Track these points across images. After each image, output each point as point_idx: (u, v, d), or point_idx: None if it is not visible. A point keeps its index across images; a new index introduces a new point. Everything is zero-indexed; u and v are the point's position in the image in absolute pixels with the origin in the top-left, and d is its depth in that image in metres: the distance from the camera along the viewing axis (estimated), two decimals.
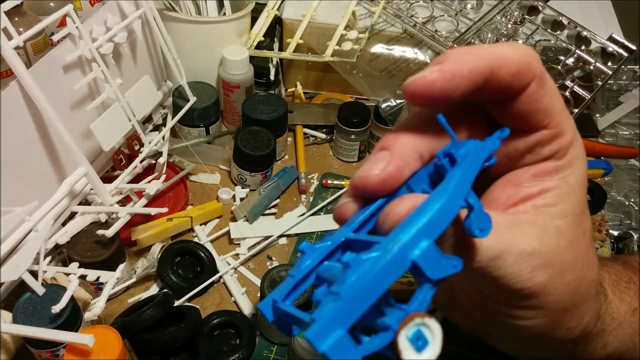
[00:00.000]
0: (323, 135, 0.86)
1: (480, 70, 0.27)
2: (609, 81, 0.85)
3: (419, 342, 0.21)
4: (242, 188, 0.75)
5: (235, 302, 0.64)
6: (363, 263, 0.22)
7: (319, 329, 0.20)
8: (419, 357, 0.21)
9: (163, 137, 0.73)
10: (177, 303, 0.62)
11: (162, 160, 0.70)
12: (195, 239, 0.70)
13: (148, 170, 0.72)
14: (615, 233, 0.76)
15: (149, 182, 0.69)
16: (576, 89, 0.76)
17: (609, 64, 0.80)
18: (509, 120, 0.30)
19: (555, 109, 0.30)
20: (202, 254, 0.65)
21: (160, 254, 0.65)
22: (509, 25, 0.82)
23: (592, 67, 0.79)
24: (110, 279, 0.56)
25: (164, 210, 0.64)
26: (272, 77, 0.85)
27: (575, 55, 0.80)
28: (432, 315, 0.21)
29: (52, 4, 0.78)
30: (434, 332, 0.21)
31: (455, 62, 0.27)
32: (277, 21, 0.87)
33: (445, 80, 0.27)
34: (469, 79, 0.27)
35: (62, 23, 0.64)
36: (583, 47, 0.81)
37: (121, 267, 0.57)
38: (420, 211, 0.24)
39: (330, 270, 0.25)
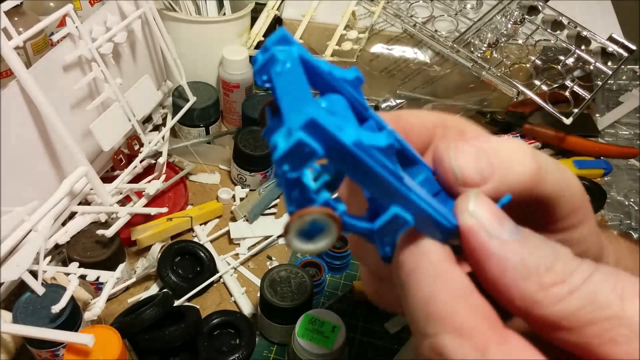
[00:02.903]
0: None
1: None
2: (609, 81, 0.85)
3: (312, 232, 0.19)
4: (242, 188, 0.75)
5: (235, 302, 0.64)
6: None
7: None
8: (299, 244, 0.19)
9: (163, 137, 0.73)
10: (177, 303, 0.62)
11: (162, 160, 0.70)
12: (195, 239, 0.70)
13: (148, 170, 0.72)
14: (615, 233, 0.76)
15: (149, 182, 0.69)
16: (576, 89, 0.76)
17: (609, 64, 0.80)
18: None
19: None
20: (202, 254, 0.65)
21: (160, 254, 0.65)
22: (509, 25, 0.82)
23: (592, 67, 0.79)
24: (110, 279, 0.56)
25: (164, 210, 0.64)
26: None
27: (575, 55, 0.80)
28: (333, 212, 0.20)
29: (52, 4, 0.78)
30: (329, 235, 0.20)
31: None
32: (277, 21, 0.87)
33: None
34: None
35: (62, 23, 0.64)
36: (583, 47, 0.81)
37: (121, 267, 0.57)
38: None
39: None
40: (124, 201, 0.67)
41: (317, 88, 0.21)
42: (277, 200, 0.75)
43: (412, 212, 0.21)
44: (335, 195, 0.23)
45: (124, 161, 0.67)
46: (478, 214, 0.22)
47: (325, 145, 0.18)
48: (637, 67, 0.98)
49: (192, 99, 0.75)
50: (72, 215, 0.61)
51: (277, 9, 0.87)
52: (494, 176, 0.23)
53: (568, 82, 0.77)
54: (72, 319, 0.51)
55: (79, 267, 0.55)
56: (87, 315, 0.53)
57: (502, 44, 0.81)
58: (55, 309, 0.49)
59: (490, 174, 0.23)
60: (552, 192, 0.25)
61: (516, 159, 0.24)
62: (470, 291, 0.20)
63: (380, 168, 0.20)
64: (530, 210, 0.25)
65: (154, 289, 0.64)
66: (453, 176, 0.23)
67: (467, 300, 0.20)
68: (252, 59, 0.21)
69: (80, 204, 0.62)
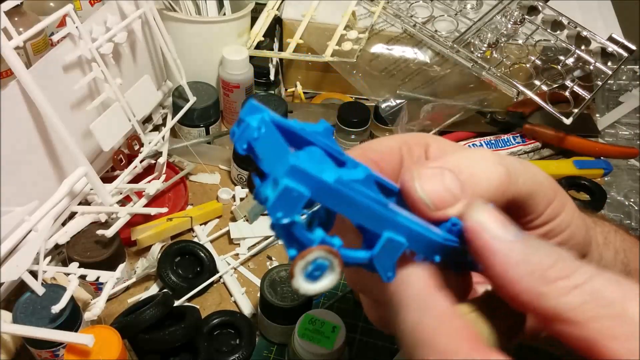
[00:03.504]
0: None
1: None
2: (609, 81, 0.85)
3: (316, 272, 0.20)
4: (242, 188, 0.75)
5: (235, 302, 0.64)
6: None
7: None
8: (306, 286, 0.20)
9: (163, 137, 0.73)
10: (177, 303, 0.62)
11: (162, 160, 0.70)
12: (195, 239, 0.70)
13: (148, 170, 0.72)
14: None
15: (149, 182, 0.69)
16: (576, 89, 0.76)
17: (609, 64, 0.80)
18: None
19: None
20: (202, 254, 0.65)
21: (160, 254, 0.65)
22: (509, 25, 0.82)
23: (592, 67, 0.79)
24: (110, 279, 0.56)
25: (164, 210, 0.64)
26: (272, 77, 0.85)
27: (575, 55, 0.80)
28: (336, 252, 0.21)
29: (52, 4, 0.78)
30: (334, 271, 0.21)
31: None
32: (277, 21, 0.87)
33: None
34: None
35: (62, 23, 0.64)
36: (583, 47, 0.81)
37: (121, 267, 0.57)
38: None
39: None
40: (124, 201, 0.67)
41: (293, 145, 0.22)
42: None
43: (403, 234, 0.23)
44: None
45: (124, 161, 0.67)
46: (483, 219, 0.23)
47: (310, 187, 0.20)
48: (637, 67, 0.98)
49: (192, 99, 0.75)
50: (72, 215, 0.61)
51: (277, 9, 0.87)
52: (465, 192, 0.24)
53: (568, 82, 0.77)
54: (72, 319, 0.51)
55: (79, 267, 0.55)
56: (87, 315, 0.53)
57: (502, 44, 0.81)
58: (55, 309, 0.49)
59: (460, 191, 0.24)
60: (525, 191, 0.26)
61: (482, 170, 0.25)
62: (450, 316, 0.22)
63: (364, 198, 0.21)
64: (510, 212, 0.25)
65: (154, 289, 0.64)
66: (425, 206, 0.24)
67: (449, 324, 0.21)
68: (230, 132, 0.22)
69: (80, 204, 0.62)
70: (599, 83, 0.79)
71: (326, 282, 0.21)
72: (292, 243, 0.21)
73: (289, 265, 0.60)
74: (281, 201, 0.19)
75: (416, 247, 0.23)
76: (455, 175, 0.25)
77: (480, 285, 0.29)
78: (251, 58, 0.81)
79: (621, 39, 0.80)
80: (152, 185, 0.67)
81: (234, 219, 0.72)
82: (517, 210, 0.27)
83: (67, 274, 0.55)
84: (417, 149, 0.30)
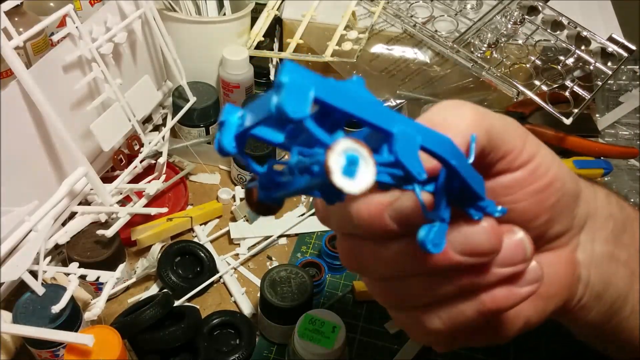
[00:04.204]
0: None
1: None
2: (609, 81, 0.85)
3: (351, 167, 0.19)
4: (242, 188, 0.75)
5: (235, 302, 0.64)
6: None
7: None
8: (349, 183, 0.19)
9: (163, 137, 0.73)
10: (177, 303, 0.62)
11: (162, 160, 0.70)
12: (195, 239, 0.70)
13: (148, 170, 0.72)
14: None
15: (149, 182, 0.69)
16: (576, 89, 0.76)
17: (609, 64, 0.80)
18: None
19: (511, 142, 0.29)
20: (202, 254, 0.65)
21: (160, 254, 0.65)
22: (509, 25, 0.82)
23: (592, 67, 0.79)
24: (110, 279, 0.56)
25: (164, 210, 0.64)
26: (272, 77, 0.85)
27: (575, 55, 0.80)
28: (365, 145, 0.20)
29: (52, 4, 0.78)
30: (367, 161, 0.19)
31: None
32: (277, 21, 0.87)
33: None
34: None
35: (62, 23, 0.64)
36: (583, 47, 0.81)
37: (121, 267, 0.57)
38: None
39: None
40: (124, 201, 0.67)
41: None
42: None
43: (412, 129, 0.22)
44: None
45: (124, 161, 0.67)
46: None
47: (311, 82, 0.19)
48: (637, 67, 0.98)
49: (192, 99, 0.75)
50: (72, 215, 0.61)
51: (277, 9, 0.87)
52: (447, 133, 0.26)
53: (568, 82, 0.77)
54: (72, 319, 0.51)
55: (79, 267, 0.55)
56: (87, 315, 0.53)
57: (502, 44, 0.81)
58: (55, 309, 0.49)
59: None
60: (498, 125, 0.28)
61: (452, 113, 0.27)
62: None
63: (366, 94, 0.21)
64: (490, 151, 0.28)
65: (154, 289, 0.64)
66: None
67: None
68: (215, 145, 0.22)
69: (80, 204, 0.62)
70: (599, 83, 0.79)
71: (365, 175, 0.19)
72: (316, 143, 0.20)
73: (289, 264, 0.60)
74: (291, 93, 0.18)
75: (430, 144, 0.23)
76: (430, 128, 0.26)
77: None
78: (251, 58, 0.81)
79: (621, 39, 0.80)
80: (152, 185, 0.67)
81: (234, 219, 0.72)
82: (498, 147, 0.28)
83: (67, 274, 0.55)
84: None
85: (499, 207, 0.27)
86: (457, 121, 0.27)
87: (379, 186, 0.22)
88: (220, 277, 0.66)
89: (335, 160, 0.19)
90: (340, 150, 0.19)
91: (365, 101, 0.20)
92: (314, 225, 0.72)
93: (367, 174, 0.19)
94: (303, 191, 0.21)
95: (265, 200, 0.24)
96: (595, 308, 0.35)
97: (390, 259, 0.27)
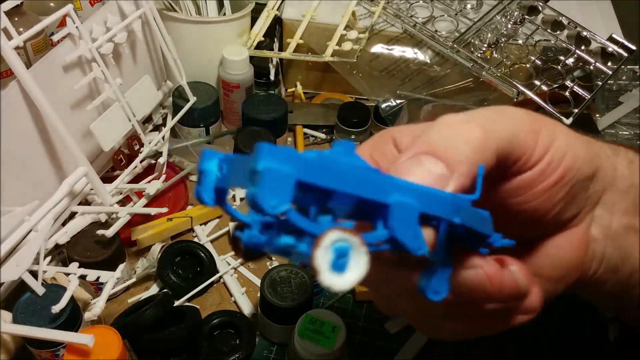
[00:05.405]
0: (323, 135, 0.86)
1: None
2: (609, 81, 0.85)
3: (340, 260, 0.17)
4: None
5: (235, 302, 0.64)
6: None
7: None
8: (338, 280, 0.17)
9: (163, 137, 0.73)
10: (177, 303, 0.62)
11: (162, 160, 0.70)
12: (195, 239, 0.70)
13: (148, 170, 0.72)
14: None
15: (149, 182, 0.69)
16: (576, 89, 0.76)
17: (609, 64, 0.80)
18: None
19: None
20: (202, 254, 0.65)
21: (160, 254, 0.65)
22: (509, 26, 0.82)
23: (592, 67, 0.79)
24: (110, 279, 0.56)
25: (164, 210, 0.64)
26: (272, 77, 0.85)
27: (575, 55, 0.80)
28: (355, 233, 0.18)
29: (52, 4, 0.78)
30: (358, 251, 0.18)
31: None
32: (277, 21, 0.87)
33: None
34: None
35: (62, 23, 0.63)
36: (583, 47, 0.81)
37: (121, 267, 0.57)
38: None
39: None
40: (124, 201, 0.67)
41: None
42: None
43: (409, 195, 0.21)
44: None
45: (124, 161, 0.67)
46: None
47: (292, 165, 0.17)
48: (637, 67, 0.98)
49: (192, 99, 0.75)
50: (72, 215, 0.61)
51: (277, 9, 0.87)
52: (451, 167, 0.24)
53: (568, 82, 0.77)
54: (72, 319, 0.51)
55: (79, 267, 0.55)
56: (87, 315, 0.53)
57: (502, 44, 0.81)
58: (55, 309, 0.49)
59: (446, 170, 0.24)
60: (507, 135, 0.26)
61: (455, 136, 0.25)
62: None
63: (354, 166, 0.19)
64: (504, 160, 0.26)
65: (154, 289, 0.64)
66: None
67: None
68: (195, 193, 0.20)
69: (80, 204, 0.62)
70: (599, 83, 0.79)
71: (356, 267, 0.18)
72: (301, 236, 0.18)
73: (289, 264, 0.60)
74: (268, 184, 0.17)
75: (429, 208, 0.21)
76: (432, 156, 0.24)
77: None
78: (251, 58, 0.81)
79: (621, 39, 0.80)
80: (152, 185, 0.67)
81: (234, 219, 0.72)
82: (509, 156, 0.27)
83: (67, 274, 0.55)
84: (386, 147, 0.29)
85: (506, 241, 0.27)
86: (462, 149, 0.24)
87: None
88: (220, 277, 0.66)
89: (323, 257, 0.17)
90: (328, 244, 0.17)
91: (355, 174, 0.19)
92: None
93: (359, 266, 0.18)
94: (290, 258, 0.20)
95: (252, 251, 0.23)
96: (611, 280, 0.34)
97: (389, 282, 0.28)
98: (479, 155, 0.25)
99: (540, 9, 0.85)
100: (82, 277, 0.55)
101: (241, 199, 0.74)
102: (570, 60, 0.79)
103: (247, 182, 0.17)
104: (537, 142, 0.28)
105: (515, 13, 0.83)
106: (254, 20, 0.85)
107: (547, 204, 0.29)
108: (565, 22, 0.83)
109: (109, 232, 0.58)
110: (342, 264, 0.17)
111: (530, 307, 0.29)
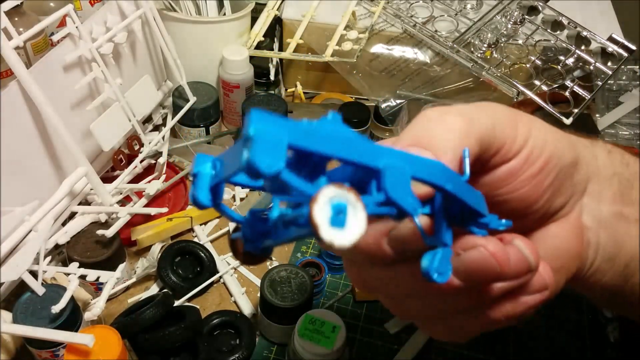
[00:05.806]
0: None
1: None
2: (609, 81, 0.85)
3: (339, 216, 0.17)
4: (242, 188, 0.75)
5: (235, 302, 0.64)
6: None
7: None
8: (339, 235, 0.17)
9: (163, 137, 0.73)
10: (177, 303, 0.62)
11: (162, 160, 0.70)
12: (195, 239, 0.70)
13: (148, 170, 0.72)
14: None
15: (149, 182, 0.69)
16: (576, 89, 0.76)
17: (609, 64, 0.80)
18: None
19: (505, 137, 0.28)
20: (202, 254, 0.65)
21: (160, 254, 0.65)
22: (509, 25, 0.82)
23: (592, 67, 0.79)
24: (110, 279, 0.56)
25: (164, 210, 0.64)
26: (272, 77, 0.85)
27: (575, 55, 0.80)
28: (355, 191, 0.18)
29: (52, 4, 0.78)
30: (356, 207, 0.18)
31: None
32: (277, 21, 0.87)
33: None
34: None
35: (62, 23, 0.63)
36: (583, 47, 0.81)
37: (121, 267, 0.57)
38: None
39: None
40: (124, 201, 0.67)
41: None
42: None
43: (400, 160, 0.21)
44: None
45: (124, 161, 0.67)
46: None
47: (284, 129, 0.17)
48: (637, 67, 0.98)
49: (192, 99, 0.75)
50: (72, 215, 0.61)
51: (277, 9, 0.87)
52: (438, 154, 0.25)
53: (568, 82, 0.77)
54: (72, 319, 0.51)
55: (79, 267, 0.55)
56: (87, 315, 0.53)
57: (502, 44, 0.81)
58: (55, 309, 0.49)
59: (433, 157, 0.25)
60: (487, 124, 0.27)
61: (438, 127, 0.26)
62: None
63: (344, 133, 0.19)
64: (485, 150, 0.27)
65: (154, 289, 0.64)
66: None
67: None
68: (190, 197, 0.20)
69: (80, 204, 0.62)
70: (599, 83, 0.79)
71: (356, 223, 0.18)
72: (297, 206, 0.18)
73: (289, 264, 0.60)
74: (261, 146, 0.16)
75: (421, 173, 0.21)
76: (417, 147, 0.25)
77: None
78: (251, 58, 0.81)
79: (621, 39, 0.80)
80: (152, 185, 0.67)
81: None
82: (491, 145, 0.28)
83: (67, 274, 0.55)
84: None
85: (503, 221, 0.27)
86: (445, 137, 0.25)
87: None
88: (220, 277, 0.66)
89: (321, 213, 0.17)
90: (325, 200, 0.17)
91: (344, 139, 0.19)
92: None
93: (357, 221, 0.18)
94: (292, 240, 0.20)
95: (251, 251, 0.23)
96: (609, 271, 0.34)
97: (396, 282, 0.28)
98: (463, 142, 0.26)
99: (540, 9, 0.85)
100: (82, 277, 0.55)
101: (241, 199, 0.74)
102: (570, 60, 0.79)
103: (240, 159, 0.17)
104: (517, 131, 0.29)
105: (515, 13, 0.83)
106: (254, 20, 0.85)
107: (536, 192, 0.30)
108: (565, 22, 0.83)
109: (109, 232, 0.58)
110: (341, 219, 0.17)
111: (541, 284, 0.28)
